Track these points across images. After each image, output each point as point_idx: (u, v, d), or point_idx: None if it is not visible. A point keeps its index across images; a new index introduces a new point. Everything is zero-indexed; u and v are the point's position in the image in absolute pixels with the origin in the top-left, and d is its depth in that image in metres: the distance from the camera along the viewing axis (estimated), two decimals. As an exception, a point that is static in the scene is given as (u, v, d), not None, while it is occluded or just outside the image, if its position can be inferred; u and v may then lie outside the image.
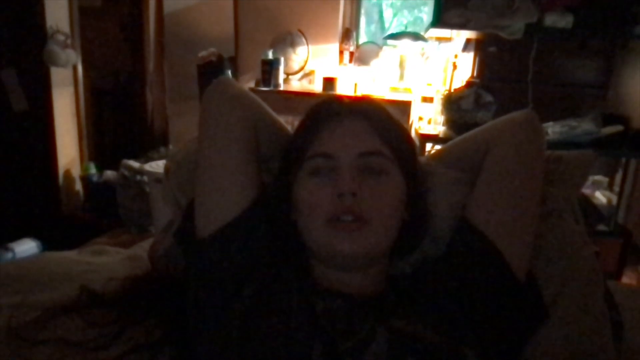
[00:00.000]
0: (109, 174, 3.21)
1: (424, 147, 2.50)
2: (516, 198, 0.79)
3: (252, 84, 3.08)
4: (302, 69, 3.17)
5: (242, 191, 0.79)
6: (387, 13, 4.09)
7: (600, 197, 2.67)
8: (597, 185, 2.73)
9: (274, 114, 0.91)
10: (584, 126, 2.29)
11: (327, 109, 0.81)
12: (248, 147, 0.82)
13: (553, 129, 2.31)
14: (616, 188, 2.67)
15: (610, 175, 2.75)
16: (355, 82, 2.92)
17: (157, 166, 2.65)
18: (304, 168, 0.77)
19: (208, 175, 0.81)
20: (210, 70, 3.13)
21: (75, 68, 3.17)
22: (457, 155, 0.91)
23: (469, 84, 2.57)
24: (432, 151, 2.44)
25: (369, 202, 0.72)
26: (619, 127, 2.35)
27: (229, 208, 0.77)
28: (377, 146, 0.76)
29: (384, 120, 0.80)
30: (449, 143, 0.97)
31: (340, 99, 0.85)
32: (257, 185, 0.81)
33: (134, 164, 2.97)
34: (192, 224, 0.81)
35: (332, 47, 3.15)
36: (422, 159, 0.92)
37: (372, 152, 0.76)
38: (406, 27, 3.11)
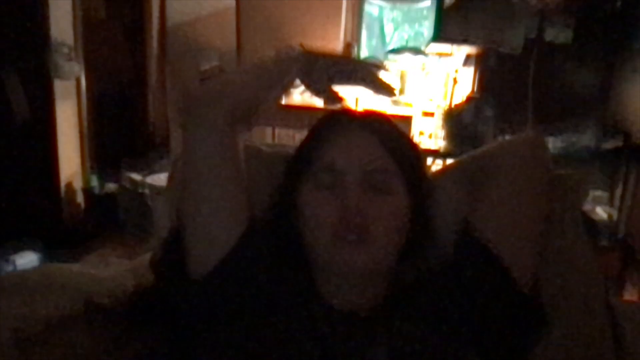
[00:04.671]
0: (111, 186, 3.22)
1: (425, 161, 2.51)
2: (521, 214, 0.80)
3: (254, 97, 3.09)
4: (303, 82, 3.18)
5: (231, 223, 0.77)
6: (388, 27, 4.11)
7: (601, 212, 2.67)
8: (597, 201, 2.73)
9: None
10: (584, 141, 2.31)
11: (336, 123, 0.81)
12: (233, 174, 0.79)
13: (553, 144, 2.32)
14: (616, 203, 2.68)
15: (611, 190, 2.76)
16: (356, 96, 2.93)
17: (159, 178, 2.67)
18: (310, 180, 0.77)
19: (193, 209, 0.78)
20: (212, 83, 3.14)
21: (78, 79, 3.18)
22: (463, 171, 0.92)
23: (469, 99, 2.59)
24: (434, 166, 2.46)
25: (374, 219, 0.73)
26: (618, 142, 2.36)
27: (220, 244, 0.75)
28: (384, 163, 0.77)
29: (391, 135, 0.81)
30: (456, 160, 0.99)
31: (349, 112, 0.85)
32: (246, 211, 0.79)
33: (136, 176, 2.99)
34: (175, 260, 0.79)
35: (333, 61, 3.17)
36: (429, 175, 0.92)
37: (377, 169, 0.76)
38: (407, 42, 3.14)
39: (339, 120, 0.82)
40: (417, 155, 0.85)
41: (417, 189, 0.80)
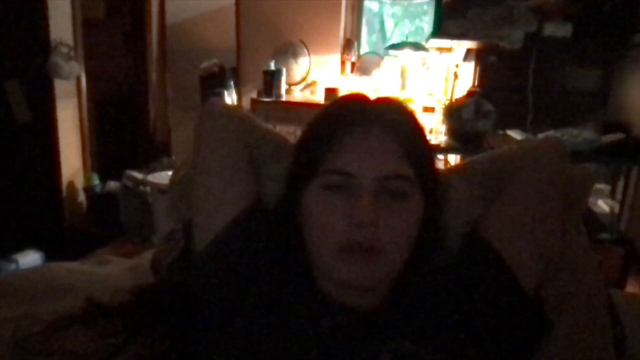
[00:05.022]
0: (112, 184, 3.22)
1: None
2: (533, 218, 0.79)
3: (254, 95, 3.10)
4: (303, 79, 3.18)
5: (234, 201, 0.80)
6: (389, 23, 4.11)
7: (603, 205, 2.67)
8: (599, 194, 2.73)
9: (268, 126, 0.96)
10: (585, 135, 2.30)
11: (350, 116, 0.73)
12: (241, 158, 0.84)
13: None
14: (618, 196, 2.67)
15: (612, 183, 2.75)
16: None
17: (160, 177, 2.67)
18: (319, 180, 0.71)
19: (201, 189, 0.84)
20: (212, 81, 3.16)
21: (78, 79, 3.19)
22: (480, 172, 0.90)
23: (469, 94, 2.58)
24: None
25: (386, 230, 0.68)
26: (619, 135, 2.35)
27: (222, 218, 0.79)
28: (403, 169, 0.70)
29: (411, 135, 0.74)
30: (473, 159, 0.95)
31: (364, 102, 0.77)
32: (250, 194, 0.83)
33: (137, 174, 2.98)
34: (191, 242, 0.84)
35: (333, 58, 3.17)
36: (441, 172, 0.87)
37: (396, 175, 0.70)
38: (407, 37, 3.13)
39: (355, 113, 0.73)
40: (431, 154, 0.79)
41: (432, 192, 0.75)
